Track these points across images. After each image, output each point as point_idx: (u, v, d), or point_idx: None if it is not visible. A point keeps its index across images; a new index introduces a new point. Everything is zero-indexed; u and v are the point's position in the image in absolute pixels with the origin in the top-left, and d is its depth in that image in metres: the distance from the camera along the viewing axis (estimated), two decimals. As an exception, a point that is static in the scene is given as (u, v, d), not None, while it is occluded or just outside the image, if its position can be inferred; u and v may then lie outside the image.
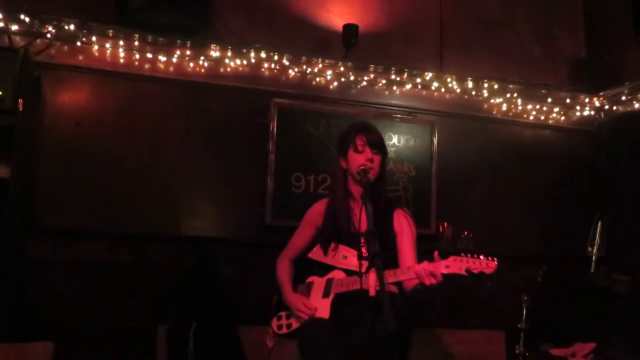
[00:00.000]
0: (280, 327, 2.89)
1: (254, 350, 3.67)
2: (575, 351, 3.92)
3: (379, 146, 2.90)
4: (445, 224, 4.62)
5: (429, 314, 4.39)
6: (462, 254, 2.52)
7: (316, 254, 2.99)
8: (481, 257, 2.51)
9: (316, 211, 3.07)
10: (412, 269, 2.60)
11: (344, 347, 2.57)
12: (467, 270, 2.50)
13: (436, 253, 2.56)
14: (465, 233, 4.61)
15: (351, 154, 2.89)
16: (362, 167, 2.81)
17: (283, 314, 2.92)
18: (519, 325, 3.77)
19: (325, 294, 2.81)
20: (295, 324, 2.85)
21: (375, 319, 2.30)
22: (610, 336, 4.00)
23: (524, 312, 3.76)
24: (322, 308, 2.78)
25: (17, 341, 2.92)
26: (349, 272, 2.80)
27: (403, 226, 2.92)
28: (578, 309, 4.41)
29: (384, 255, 2.68)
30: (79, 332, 3.77)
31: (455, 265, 2.52)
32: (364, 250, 2.73)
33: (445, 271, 2.51)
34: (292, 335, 2.85)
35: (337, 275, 2.84)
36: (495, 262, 2.49)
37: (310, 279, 2.94)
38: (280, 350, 2.93)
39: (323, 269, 2.92)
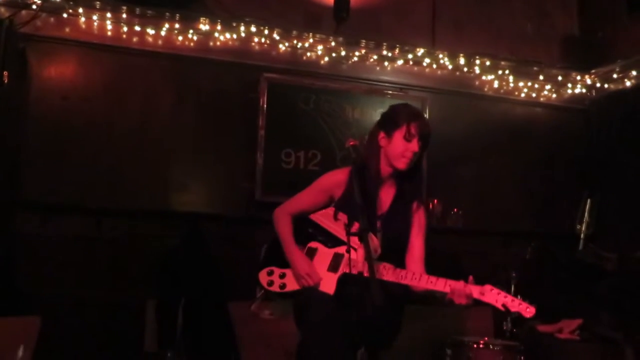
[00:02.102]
0: (270, 283, 2.74)
1: (243, 326, 3.68)
2: (562, 327, 3.95)
3: (427, 144, 2.80)
4: (435, 200, 4.63)
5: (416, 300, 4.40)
6: (499, 287, 2.50)
7: (324, 220, 2.82)
8: (519, 297, 2.49)
9: (335, 180, 2.86)
10: (447, 283, 2.53)
11: (342, 325, 2.53)
12: (504, 306, 2.48)
13: (471, 278, 2.52)
14: (455, 210, 4.62)
15: (397, 135, 2.75)
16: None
17: (276, 270, 2.76)
18: (506, 302, 3.78)
19: (332, 269, 2.69)
20: (290, 286, 2.72)
21: (365, 294, 2.28)
22: (597, 313, 4.04)
23: (512, 289, 3.77)
24: (328, 282, 2.66)
25: (5, 315, 2.91)
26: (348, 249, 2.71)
27: (421, 222, 2.84)
28: (566, 286, 4.45)
29: (392, 241, 2.68)
30: (68, 306, 3.77)
31: (492, 296, 2.48)
32: (379, 235, 2.69)
33: (479, 298, 2.48)
34: (283, 295, 2.73)
35: (351, 254, 2.74)
36: (534, 309, 2.48)
37: (313, 244, 2.79)
38: (265, 303, 2.83)
39: (330, 239, 2.78)
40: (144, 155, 4.12)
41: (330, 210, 2.81)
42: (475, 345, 3.36)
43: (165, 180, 4.16)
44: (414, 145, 2.73)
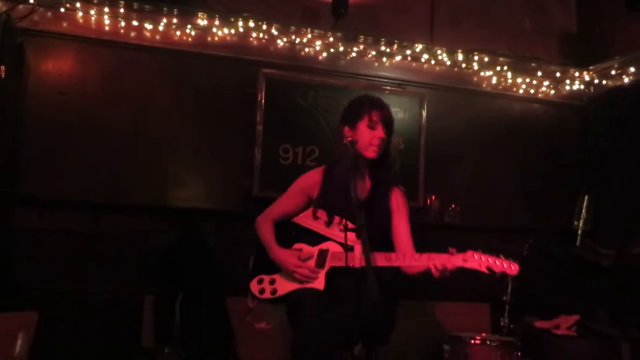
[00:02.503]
0: (262, 291, 2.79)
1: (240, 321, 3.68)
2: (559, 323, 3.96)
3: (390, 125, 2.83)
4: (433, 197, 4.63)
5: (415, 285, 4.40)
6: (479, 251, 2.53)
7: (306, 220, 2.89)
8: (501, 256, 2.53)
9: (312, 180, 2.95)
10: (428, 258, 2.57)
11: (335, 320, 2.55)
12: (488, 268, 2.50)
13: (452, 249, 2.55)
14: (453, 206, 4.62)
15: (361, 126, 2.80)
16: (372, 144, 2.77)
17: (265, 277, 2.82)
18: (504, 298, 3.79)
19: (319, 264, 2.74)
20: (281, 291, 2.78)
21: (361, 290, 2.29)
22: (594, 309, 4.05)
23: (509, 285, 3.78)
24: (318, 279, 2.72)
25: (2, 310, 2.91)
26: (345, 246, 2.75)
27: (400, 205, 2.88)
28: (563, 282, 4.46)
29: (376, 230, 2.68)
30: (65, 301, 3.76)
31: (474, 261, 2.52)
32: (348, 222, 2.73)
33: (463, 264, 2.51)
34: (275, 300, 2.78)
35: (333, 247, 2.78)
36: (517, 265, 2.51)
37: (297, 246, 2.84)
38: (261, 310, 2.86)
39: (313, 237, 2.83)
40: (141, 150, 4.12)
41: (310, 211, 2.87)
42: (472, 341, 3.37)
43: (163, 175, 4.16)
44: (379, 132, 2.78)
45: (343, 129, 2.86)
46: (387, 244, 2.81)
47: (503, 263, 2.52)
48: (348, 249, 2.51)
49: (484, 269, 2.52)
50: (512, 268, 2.52)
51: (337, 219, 2.79)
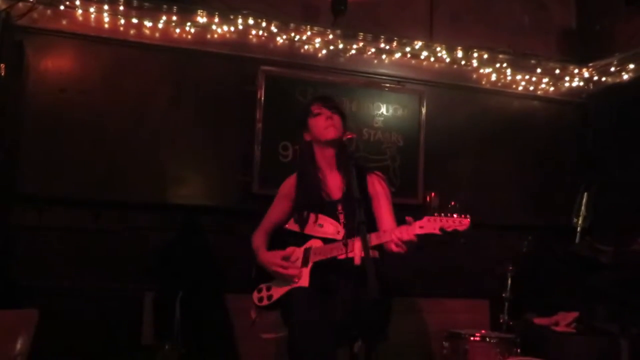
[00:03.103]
0: (261, 299, 2.90)
1: (240, 318, 3.69)
2: (559, 320, 3.97)
3: (335, 107, 2.98)
4: (433, 194, 4.61)
5: (415, 282, 4.42)
6: (436, 214, 2.53)
7: (293, 225, 3.01)
8: (454, 215, 2.52)
9: (289, 185, 3.10)
10: (389, 234, 2.64)
11: (325, 314, 2.60)
12: (441, 229, 2.53)
13: (409, 218, 2.57)
14: (452, 203, 4.59)
15: (311, 121, 2.97)
16: (344, 135, 2.84)
17: (263, 286, 2.92)
18: (503, 295, 3.81)
19: (304, 263, 2.83)
20: (276, 295, 2.87)
21: (359, 286, 2.31)
22: (593, 305, 4.06)
23: (509, 282, 3.79)
24: (302, 277, 2.81)
25: (2, 308, 2.91)
26: (326, 240, 2.83)
27: (377, 190, 2.96)
28: (562, 279, 4.46)
29: (355, 220, 2.72)
30: (65, 299, 3.77)
31: (429, 225, 2.54)
32: (341, 217, 2.84)
33: (419, 232, 2.55)
34: (273, 306, 2.88)
35: (315, 243, 2.86)
36: (468, 219, 2.53)
37: (289, 249, 2.93)
38: (264, 321, 2.96)
39: (301, 239, 2.93)
40: (141, 147, 4.12)
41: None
42: (471, 338, 3.39)
43: (163, 172, 4.16)
44: (325, 113, 2.94)
45: (303, 135, 3.05)
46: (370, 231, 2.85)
47: (454, 220, 2.53)
48: (330, 241, 2.62)
49: (437, 231, 2.53)
50: (462, 224, 2.53)
51: (314, 215, 2.89)
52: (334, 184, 2.96)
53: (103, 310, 3.85)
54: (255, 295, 2.93)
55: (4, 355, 2.48)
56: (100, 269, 3.93)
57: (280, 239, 3.04)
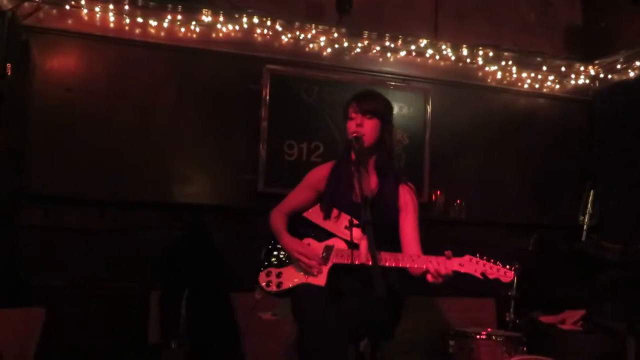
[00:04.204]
0: (269, 283, 2.82)
1: (246, 316, 3.70)
2: (565, 318, 3.96)
3: (371, 111, 2.85)
4: (438, 192, 4.63)
5: (420, 281, 4.41)
6: (477, 256, 2.53)
7: (314, 216, 2.92)
8: (498, 263, 2.53)
9: (319, 175, 3.01)
10: (425, 261, 2.58)
11: (337, 315, 2.57)
12: (483, 274, 2.51)
13: (449, 252, 2.55)
14: (458, 201, 4.62)
15: (347, 123, 2.88)
16: (353, 134, 2.80)
17: (273, 270, 2.85)
18: (509, 293, 3.79)
19: (324, 261, 2.77)
20: (286, 284, 2.80)
21: (366, 286, 2.30)
22: (600, 304, 4.04)
23: (515, 280, 3.78)
24: (319, 275, 2.75)
25: (9, 307, 2.92)
26: (349, 244, 2.77)
27: (408, 202, 2.88)
28: (568, 277, 4.45)
29: (382, 227, 2.66)
30: (71, 298, 3.78)
31: (471, 266, 2.53)
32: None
33: (459, 269, 2.52)
34: (280, 294, 2.81)
35: (338, 244, 2.80)
36: (513, 273, 2.51)
37: (306, 241, 2.87)
38: (267, 303, 2.90)
39: (321, 233, 2.87)
40: (146, 146, 4.13)
41: (318, 206, 2.93)
42: (478, 337, 3.38)
43: (168, 171, 4.17)
44: (356, 120, 2.84)
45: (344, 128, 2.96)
46: (394, 242, 2.81)
47: (498, 269, 2.52)
48: (353, 246, 2.53)
49: (478, 275, 2.52)
50: (506, 275, 2.53)
51: (343, 215, 2.81)
52: (366, 186, 2.81)
53: (109, 308, 3.86)
54: (263, 277, 2.85)
55: (12, 353, 2.49)
56: (106, 268, 3.94)
57: (298, 226, 2.95)
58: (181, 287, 3.71)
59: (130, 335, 3.84)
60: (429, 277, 2.58)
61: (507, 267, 2.53)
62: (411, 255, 2.67)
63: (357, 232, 2.63)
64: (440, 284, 2.57)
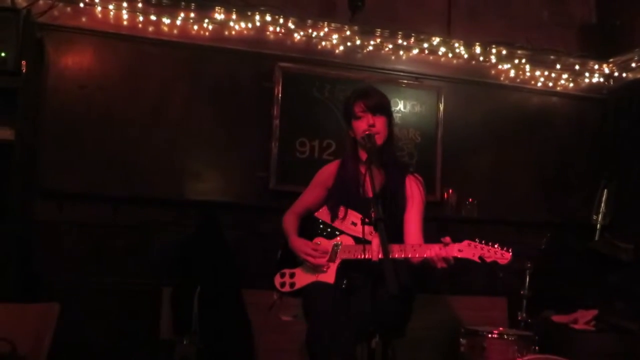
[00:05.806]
0: (283, 284, 2.88)
1: (258, 314, 3.71)
2: (577, 318, 3.94)
3: (379, 109, 2.86)
4: (450, 190, 4.61)
5: (432, 279, 4.41)
6: (477, 240, 2.52)
7: (324, 214, 2.97)
8: (496, 246, 2.52)
9: (328, 172, 3.05)
10: (425, 250, 2.59)
11: (346, 312, 2.59)
12: (480, 258, 2.51)
13: (448, 239, 2.55)
14: (470, 200, 4.61)
15: (353, 122, 2.89)
16: (366, 132, 2.80)
17: (287, 271, 2.90)
18: (521, 292, 3.78)
19: (331, 258, 2.80)
20: (299, 283, 2.85)
21: (377, 284, 2.30)
22: (612, 303, 4.02)
23: (527, 279, 3.76)
24: (328, 272, 2.78)
25: (24, 302, 2.95)
26: (357, 240, 2.79)
27: (414, 193, 2.90)
28: (581, 276, 4.43)
29: (392, 220, 2.69)
30: (85, 293, 3.81)
31: (469, 250, 2.52)
32: (374, 215, 2.74)
33: (457, 255, 2.52)
34: (294, 294, 2.86)
35: (345, 240, 2.83)
36: (510, 254, 2.51)
37: (317, 240, 2.91)
38: (284, 304, 2.94)
39: (331, 230, 2.90)
40: (159, 143, 4.15)
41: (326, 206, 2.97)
42: (489, 335, 3.37)
43: (181, 168, 4.19)
44: (368, 119, 2.83)
45: (347, 131, 2.98)
46: (398, 234, 2.83)
47: (495, 252, 2.52)
48: (363, 242, 2.54)
49: (476, 259, 2.52)
50: (503, 257, 2.52)
51: (350, 212, 2.83)
52: (377, 183, 2.83)
53: (122, 304, 3.89)
54: (278, 279, 2.91)
55: (27, 347, 2.51)
56: (119, 264, 3.97)
57: (310, 226, 2.99)
58: (193, 284, 3.73)
59: (142, 331, 3.87)
60: (438, 264, 2.57)
61: (505, 249, 2.53)
62: (412, 245, 2.68)
63: (367, 229, 2.63)
64: (446, 268, 2.57)
